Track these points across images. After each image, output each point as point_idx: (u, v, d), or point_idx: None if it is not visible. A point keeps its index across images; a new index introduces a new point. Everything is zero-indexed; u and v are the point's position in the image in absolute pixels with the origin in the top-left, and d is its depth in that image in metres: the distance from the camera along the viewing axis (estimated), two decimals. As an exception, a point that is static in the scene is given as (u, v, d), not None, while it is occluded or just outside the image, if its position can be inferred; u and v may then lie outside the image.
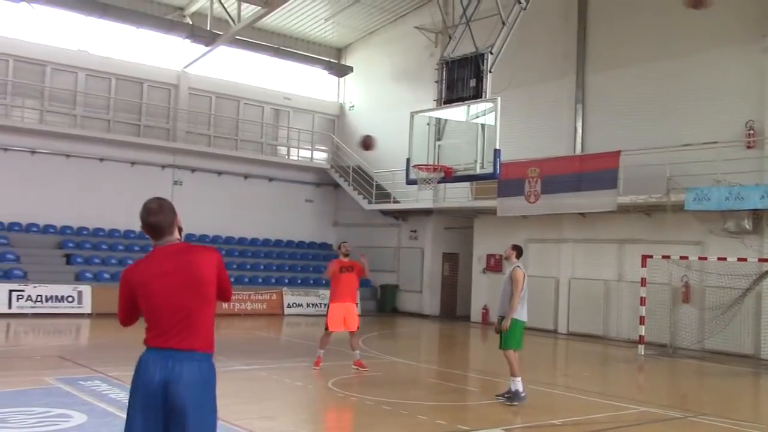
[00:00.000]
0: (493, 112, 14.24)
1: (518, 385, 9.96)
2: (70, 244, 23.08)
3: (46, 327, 18.20)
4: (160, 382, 3.94)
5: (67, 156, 23.85)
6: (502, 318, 10.19)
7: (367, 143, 11.07)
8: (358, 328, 12.86)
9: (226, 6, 24.16)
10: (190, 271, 4.05)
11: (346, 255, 13.15)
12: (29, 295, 19.94)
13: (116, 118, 25.44)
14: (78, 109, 24.77)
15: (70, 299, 20.46)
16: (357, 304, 13.06)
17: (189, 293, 4.02)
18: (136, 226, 25.24)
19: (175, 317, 4.01)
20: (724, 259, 16.53)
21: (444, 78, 15.32)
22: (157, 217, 4.12)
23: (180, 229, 4.24)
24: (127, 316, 4.25)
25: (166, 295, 4.00)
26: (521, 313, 10.11)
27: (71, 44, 24.78)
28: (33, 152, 23.30)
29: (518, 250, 10.51)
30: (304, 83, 30.12)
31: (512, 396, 9.96)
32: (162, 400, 3.93)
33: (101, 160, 24.50)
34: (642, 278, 17.59)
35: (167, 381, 3.94)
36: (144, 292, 4.05)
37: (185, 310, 4.02)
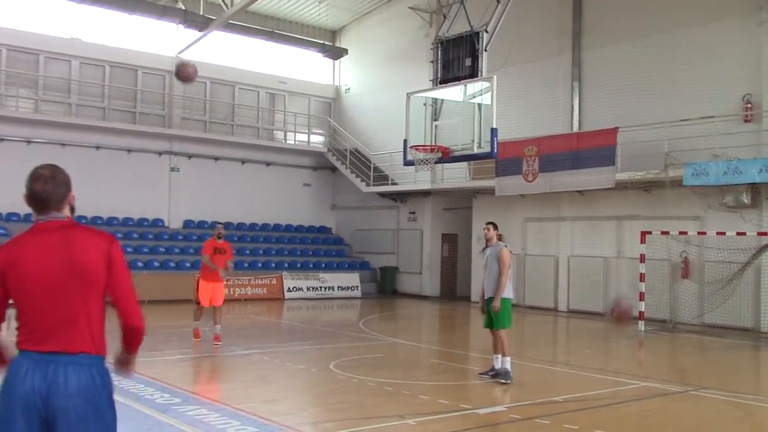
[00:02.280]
0: (490, 92, 14.20)
1: (508, 363, 10.05)
2: (69, 233, 23.03)
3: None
4: (39, 393, 3.21)
5: (63, 145, 23.77)
6: (490, 299, 10.28)
7: (183, 73, 9.87)
8: (223, 303, 13.74)
9: (218, -10, 24.01)
10: (74, 251, 3.31)
11: (220, 237, 13.71)
12: (29, 285, 19.91)
13: (111, 106, 25.34)
14: (73, 97, 24.66)
15: (70, 288, 20.44)
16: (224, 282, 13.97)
17: (70, 279, 3.29)
18: (135, 213, 25.28)
19: (56, 310, 3.28)
20: (723, 233, 16.55)
21: (439, 58, 15.26)
22: (46, 185, 3.40)
23: (72, 209, 3.53)
24: None
25: (43, 282, 3.27)
26: (508, 291, 10.23)
27: (64, 32, 24.63)
28: (29, 142, 23.23)
29: (497, 228, 10.64)
30: (299, 67, 29.99)
31: (506, 374, 10.02)
32: (41, 416, 3.23)
33: (97, 148, 24.43)
34: (641, 254, 17.62)
35: (48, 392, 3.22)
36: (16, 277, 3.29)
37: (67, 300, 3.29)
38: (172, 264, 23.20)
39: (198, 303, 13.60)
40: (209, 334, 13.51)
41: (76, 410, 3.25)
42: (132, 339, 3.52)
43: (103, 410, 3.35)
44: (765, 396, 10.17)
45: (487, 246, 10.64)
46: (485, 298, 10.51)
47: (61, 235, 3.35)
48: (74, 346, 3.30)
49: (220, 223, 14.83)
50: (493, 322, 10.24)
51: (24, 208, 23.38)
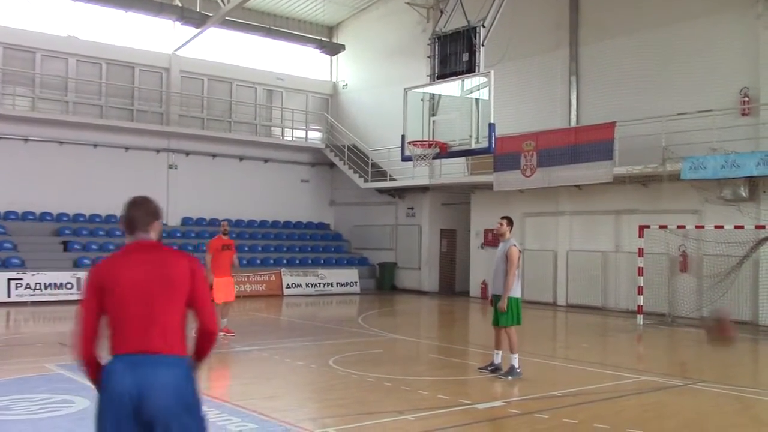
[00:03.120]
0: (487, 87, 14.19)
1: (515, 360, 10.07)
2: (67, 231, 23.05)
3: (45, 314, 18.24)
4: (135, 393, 3.51)
5: (61, 143, 23.76)
6: (497, 297, 10.24)
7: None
8: (234, 299, 14.08)
9: (215, -13, 23.98)
10: (162, 266, 3.73)
11: (225, 234, 13.81)
12: (28, 283, 19.94)
13: (108, 104, 25.30)
14: (70, 95, 24.63)
15: (69, 286, 20.46)
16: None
17: (160, 289, 3.67)
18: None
19: (147, 316, 3.63)
20: (721, 227, 16.56)
21: (437, 53, 15.25)
22: (137, 211, 3.89)
23: (159, 236, 3.96)
24: (89, 336, 3.67)
25: (136, 291, 3.64)
26: (516, 290, 10.18)
27: (61, 30, 24.59)
28: (26, 140, 23.20)
29: (512, 224, 10.54)
30: (296, 63, 29.96)
31: (510, 370, 10.04)
32: (138, 416, 3.51)
33: (95, 146, 24.40)
34: (639, 248, 17.63)
35: (142, 391, 3.51)
36: (112, 287, 3.66)
37: (157, 307, 3.65)
38: (171, 261, 23.16)
39: (216, 302, 13.28)
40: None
41: (168, 408, 3.54)
42: (207, 343, 3.88)
43: (193, 406, 3.67)
44: (763, 389, 10.19)
45: (500, 240, 10.52)
46: (492, 294, 10.48)
47: (150, 253, 3.80)
48: (164, 348, 3.63)
49: (224, 220, 14.86)
50: (501, 319, 10.19)
51: (22, 207, 23.51)
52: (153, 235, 3.90)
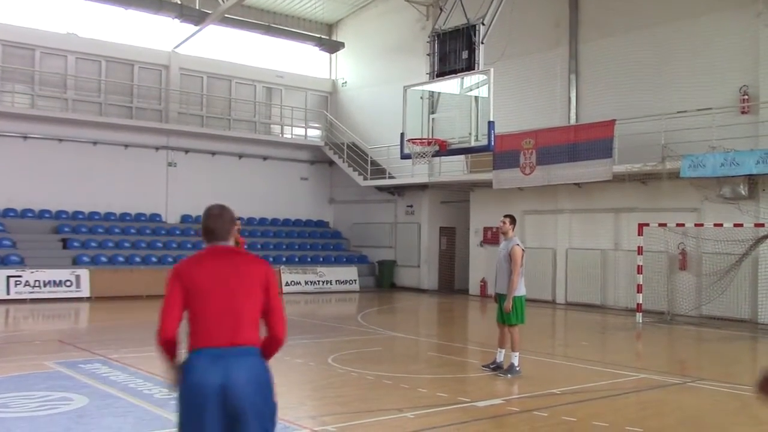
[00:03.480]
0: (486, 84, 14.18)
1: (516, 359, 10.06)
2: (66, 229, 23.04)
3: (45, 312, 18.23)
4: (221, 384, 3.74)
5: (60, 140, 23.74)
6: (501, 295, 10.23)
7: None
8: None
9: (214, -16, 23.95)
10: (242, 267, 3.99)
11: (239, 233, 13.72)
12: (27, 281, 19.93)
13: (108, 101, 25.27)
14: (69, 92, 24.61)
15: (68, 283, 20.46)
16: None
17: (240, 286, 3.93)
18: (132, 208, 25.25)
19: (229, 311, 3.87)
20: (721, 225, 16.56)
21: (436, 51, 15.23)
22: (216, 222, 4.09)
23: (236, 241, 4.21)
24: (173, 320, 3.90)
25: (218, 289, 3.88)
26: (520, 289, 10.17)
27: (60, 27, 24.56)
28: (25, 137, 23.18)
29: (515, 222, 10.53)
30: (295, 61, 29.93)
31: (510, 368, 10.04)
32: (224, 406, 3.74)
33: (94, 143, 24.39)
34: (639, 246, 17.64)
35: (227, 382, 3.75)
36: (194, 285, 3.89)
37: (237, 303, 3.90)
38: (170, 259, 23.16)
39: None
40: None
41: (250, 397, 3.78)
42: (273, 349, 4.10)
43: (270, 395, 3.92)
44: (762, 387, 10.17)
45: (503, 238, 10.52)
46: (496, 293, 10.47)
47: (230, 256, 4.05)
48: (246, 341, 3.88)
49: (238, 219, 14.75)
50: (505, 318, 10.18)
51: (21, 204, 23.48)
52: (231, 241, 4.16)
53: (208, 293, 3.88)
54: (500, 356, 10.32)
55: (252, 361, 3.87)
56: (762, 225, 16.14)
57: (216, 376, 3.74)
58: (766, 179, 17.01)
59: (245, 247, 14.06)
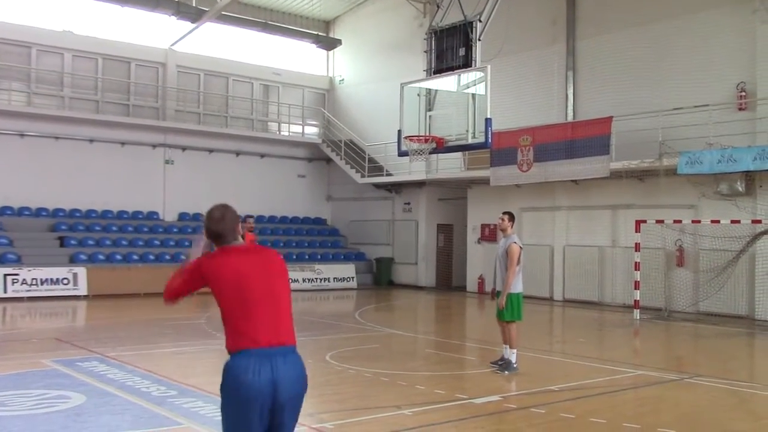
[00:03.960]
0: (484, 81, 14.14)
1: (513, 356, 10.06)
2: (63, 227, 23.01)
3: (42, 310, 18.20)
4: (271, 386, 3.74)
5: (57, 138, 23.69)
6: (500, 292, 10.22)
7: None
8: None
9: (211, -19, 23.90)
10: (269, 264, 4.01)
11: (251, 231, 13.60)
12: (24, 279, 19.90)
13: (105, 99, 25.24)
14: (65, 90, 24.56)
15: (65, 281, 20.44)
16: None
17: (277, 284, 3.95)
18: (130, 206, 25.13)
19: (272, 310, 3.87)
20: (718, 221, 16.59)
21: (433, 48, 15.19)
22: (219, 225, 4.06)
23: (244, 236, 4.19)
24: (181, 293, 4.07)
25: (259, 289, 3.87)
26: (517, 286, 10.16)
27: (56, 25, 24.50)
28: (22, 135, 23.13)
29: (513, 219, 10.52)
30: (293, 58, 29.90)
31: (505, 365, 10.04)
32: (270, 406, 3.76)
33: (91, 141, 24.34)
34: (636, 243, 17.65)
35: (277, 383, 3.75)
36: (235, 282, 3.86)
37: (279, 301, 3.92)
38: (168, 257, 23.15)
39: None
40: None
41: (296, 396, 3.87)
42: None
43: (305, 393, 3.98)
44: (759, 383, 10.21)
45: (501, 235, 10.51)
46: (494, 289, 10.46)
47: (254, 253, 4.06)
48: (288, 339, 3.90)
49: (249, 216, 14.54)
50: (499, 314, 10.18)
51: (18, 202, 23.42)
52: (240, 238, 4.14)
53: (249, 294, 3.84)
54: (507, 352, 10.28)
55: (295, 358, 3.91)
56: (759, 221, 16.16)
57: (269, 377, 3.74)
58: (763, 176, 17.01)
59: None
